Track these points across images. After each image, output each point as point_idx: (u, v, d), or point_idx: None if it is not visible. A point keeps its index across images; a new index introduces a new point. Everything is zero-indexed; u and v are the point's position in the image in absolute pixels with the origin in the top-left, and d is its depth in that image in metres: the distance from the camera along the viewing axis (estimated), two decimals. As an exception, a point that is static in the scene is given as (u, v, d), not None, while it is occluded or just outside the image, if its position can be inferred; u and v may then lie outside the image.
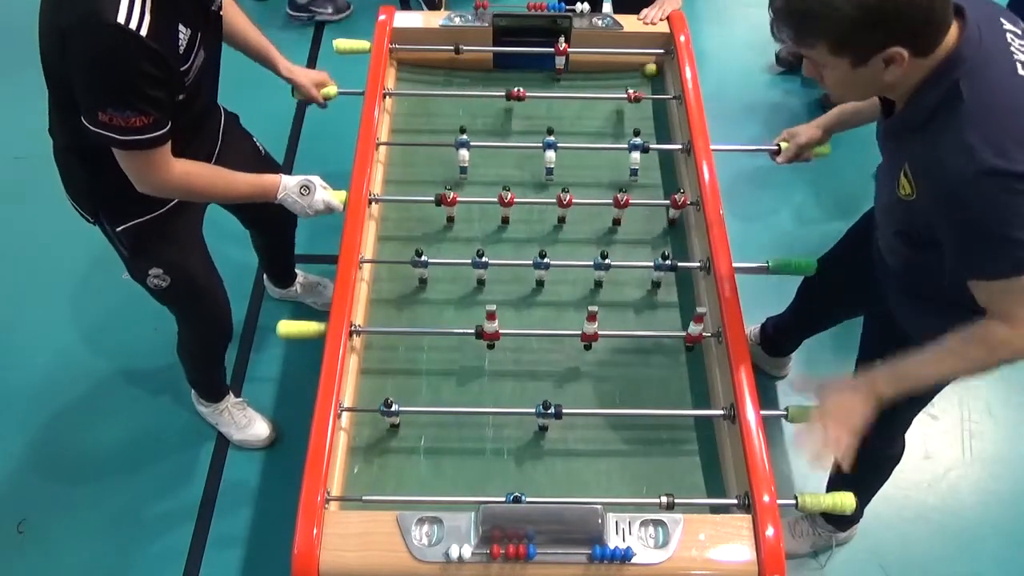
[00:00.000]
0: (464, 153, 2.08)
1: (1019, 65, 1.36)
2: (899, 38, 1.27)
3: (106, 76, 1.51)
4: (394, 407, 1.65)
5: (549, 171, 2.11)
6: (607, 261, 1.85)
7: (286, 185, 1.87)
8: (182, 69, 1.61)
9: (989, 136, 1.29)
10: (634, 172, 2.12)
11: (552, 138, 2.08)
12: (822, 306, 2.26)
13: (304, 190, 1.88)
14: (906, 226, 1.50)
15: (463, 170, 2.11)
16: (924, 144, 1.37)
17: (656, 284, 1.96)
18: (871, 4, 1.22)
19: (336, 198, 1.92)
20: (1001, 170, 1.27)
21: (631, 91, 2.22)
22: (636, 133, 2.11)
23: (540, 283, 1.96)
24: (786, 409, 1.67)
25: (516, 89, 2.19)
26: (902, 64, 1.29)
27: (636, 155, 2.10)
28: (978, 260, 1.37)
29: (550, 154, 2.08)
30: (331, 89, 2.18)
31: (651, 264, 1.89)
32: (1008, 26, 1.42)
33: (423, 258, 1.87)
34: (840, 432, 1.44)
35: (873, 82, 1.35)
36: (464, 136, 2.07)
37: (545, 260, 1.85)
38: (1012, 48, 1.38)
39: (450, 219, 2.07)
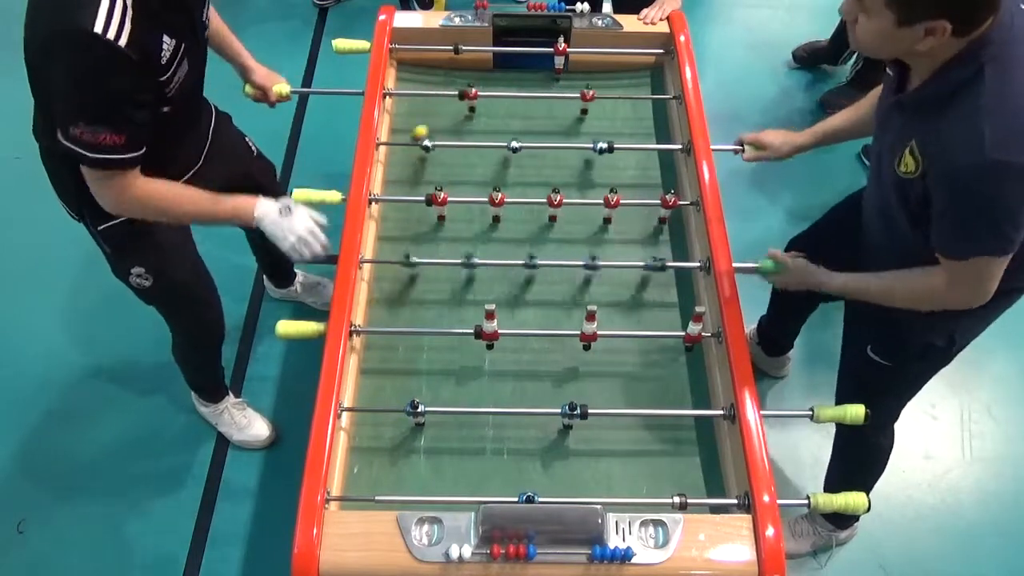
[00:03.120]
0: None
1: None
2: (950, 13, 1.29)
3: (80, 87, 1.49)
4: (420, 407, 1.66)
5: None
6: (598, 262, 1.87)
7: (266, 211, 1.77)
8: (162, 79, 1.59)
9: (1002, 127, 1.31)
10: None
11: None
12: (799, 295, 2.24)
13: (284, 211, 1.77)
14: (898, 202, 1.52)
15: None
16: (940, 123, 1.38)
17: (655, 268, 1.94)
18: None
19: (329, 198, 1.89)
20: (1007, 163, 1.31)
21: (586, 91, 2.21)
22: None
23: (530, 281, 1.97)
24: (811, 409, 1.67)
25: (471, 89, 2.19)
26: (941, 37, 1.32)
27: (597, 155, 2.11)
28: (949, 238, 1.44)
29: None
30: (283, 87, 2.13)
31: (641, 264, 1.90)
32: None
33: (412, 259, 1.89)
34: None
35: (907, 44, 1.36)
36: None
37: (535, 261, 1.87)
38: None
39: (440, 218, 2.07)
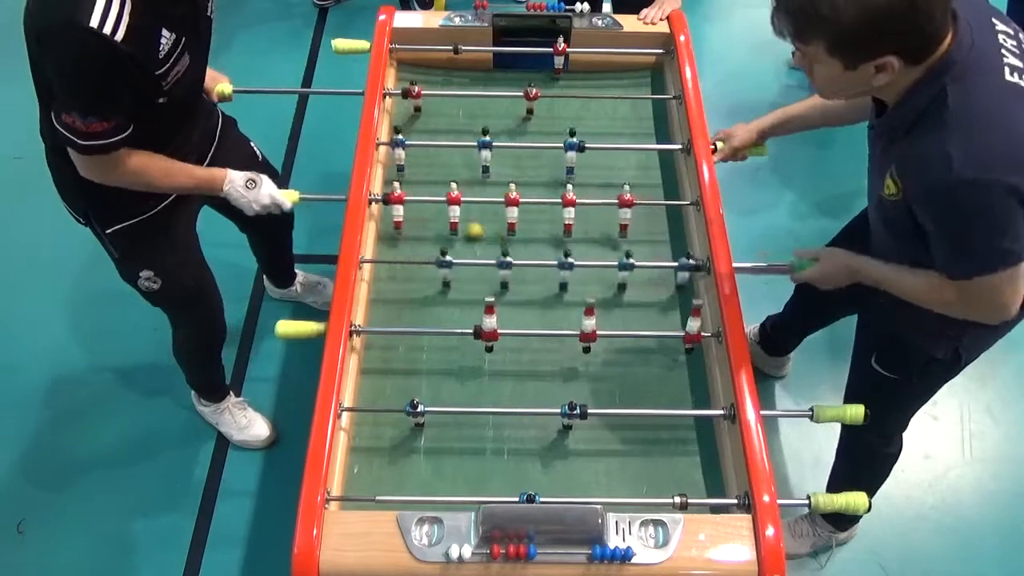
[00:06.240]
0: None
1: (1007, 69, 1.37)
2: (895, 49, 1.30)
3: (75, 80, 1.51)
4: (420, 407, 1.65)
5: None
6: (631, 261, 1.88)
7: (232, 179, 1.87)
8: (158, 73, 1.60)
9: (969, 145, 1.31)
10: (570, 171, 2.13)
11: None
12: (819, 303, 2.26)
13: (250, 183, 1.88)
14: (891, 222, 1.52)
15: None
16: (910, 147, 1.39)
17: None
18: (876, 15, 1.24)
19: (287, 197, 1.92)
20: (977, 181, 1.31)
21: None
22: (572, 134, 2.09)
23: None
24: (811, 409, 1.67)
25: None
26: (892, 72, 1.33)
27: (572, 155, 2.10)
28: (947, 259, 1.44)
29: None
30: (225, 87, 2.12)
31: (675, 264, 1.91)
32: (1000, 26, 1.43)
33: (447, 258, 1.88)
34: (825, 281, 1.75)
35: (861, 85, 1.37)
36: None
37: (569, 260, 1.87)
38: (1003, 50, 1.39)
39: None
